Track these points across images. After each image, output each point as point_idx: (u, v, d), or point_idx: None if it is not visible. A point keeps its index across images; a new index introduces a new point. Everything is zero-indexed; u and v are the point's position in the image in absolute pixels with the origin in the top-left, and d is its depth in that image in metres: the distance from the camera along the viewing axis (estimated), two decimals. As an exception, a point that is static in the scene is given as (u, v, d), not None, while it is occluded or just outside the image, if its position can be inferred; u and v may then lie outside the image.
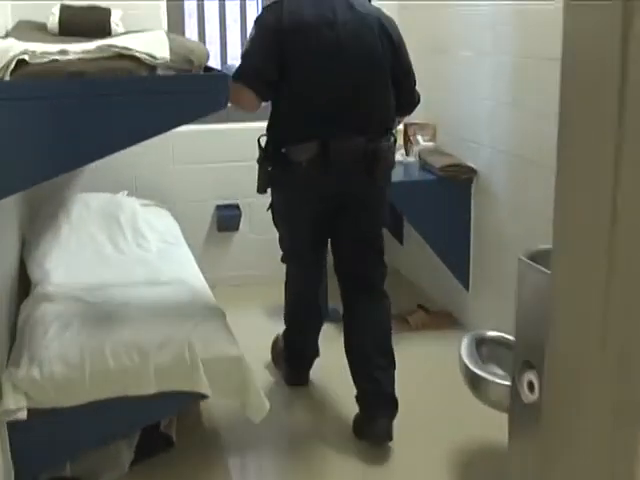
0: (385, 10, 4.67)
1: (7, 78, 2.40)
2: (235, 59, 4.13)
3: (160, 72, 2.56)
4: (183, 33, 4.62)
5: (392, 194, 3.85)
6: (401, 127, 4.49)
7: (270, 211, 3.32)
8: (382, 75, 3.07)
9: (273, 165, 3.09)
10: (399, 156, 4.36)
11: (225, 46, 4.81)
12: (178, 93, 2.52)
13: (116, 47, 2.47)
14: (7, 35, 3.42)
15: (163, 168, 4.70)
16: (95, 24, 3.73)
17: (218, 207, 4.78)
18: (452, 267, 4.15)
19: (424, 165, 4.18)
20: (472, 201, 4.08)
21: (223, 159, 4.62)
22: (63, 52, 2.46)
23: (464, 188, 4.04)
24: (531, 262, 2.40)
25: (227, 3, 4.71)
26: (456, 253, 4.12)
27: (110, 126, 2.49)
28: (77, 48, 2.48)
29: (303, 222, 3.21)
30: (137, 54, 2.48)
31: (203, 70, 2.83)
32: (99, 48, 2.48)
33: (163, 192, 4.67)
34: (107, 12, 3.82)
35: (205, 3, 4.72)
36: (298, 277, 3.54)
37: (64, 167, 2.60)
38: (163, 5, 4.55)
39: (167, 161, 4.70)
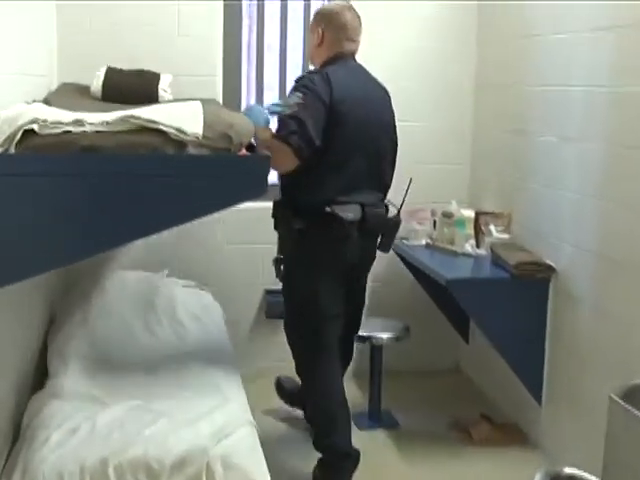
0: (461, 82, 4.40)
1: (12, 150, 2.09)
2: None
3: (192, 150, 2.20)
4: (239, 103, 4.30)
5: (459, 292, 3.49)
6: (472, 215, 4.09)
7: (289, 280, 3.31)
8: (393, 146, 3.37)
9: (309, 224, 3.14)
10: (469, 247, 3.95)
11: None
12: (209, 176, 2.15)
13: (139, 119, 2.13)
14: (46, 99, 3.14)
15: (209, 247, 4.36)
16: (141, 90, 3.45)
17: (267, 292, 4.41)
18: (523, 376, 3.67)
19: (496, 260, 3.75)
20: (549, 304, 3.61)
21: (275, 240, 4.24)
22: (78, 122, 2.13)
23: (541, 289, 3.58)
24: (626, 404, 1.99)
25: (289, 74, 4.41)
26: (528, 361, 3.64)
27: (128, 211, 2.12)
28: (95, 119, 2.15)
29: (333, 281, 3.23)
30: (163, 128, 2.13)
31: (246, 149, 2.48)
32: (120, 119, 2.14)
33: (208, 273, 4.32)
34: (155, 77, 3.53)
35: (265, 72, 4.43)
36: (321, 357, 3.32)
37: (75, 255, 2.21)
38: (219, 69, 4.25)
39: (214, 239, 4.36)
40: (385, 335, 3.93)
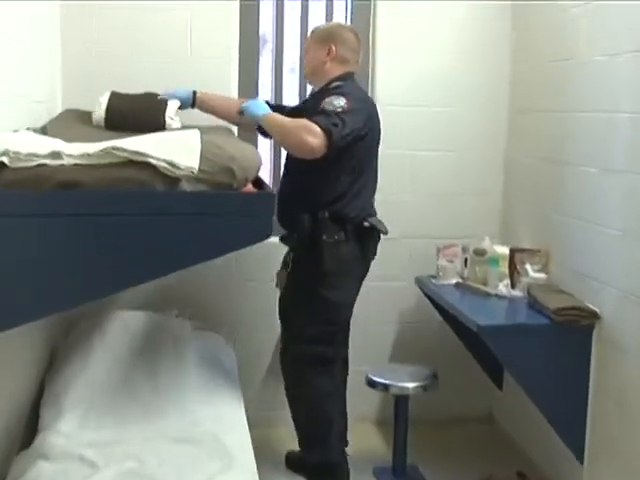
0: (494, 107, 4.14)
1: (-21, 185, 1.84)
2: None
3: (186, 186, 1.94)
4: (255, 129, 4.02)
5: (492, 340, 3.18)
6: (506, 252, 3.79)
7: (310, 291, 3.31)
8: None
9: (345, 237, 3.27)
10: (503, 288, 3.64)
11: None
12: (204, 216, 1.89)
13: (124, 151, 1.88)
14: (44, 127, 2.91)
15: (224, 284, 4.07)
16: (147, 117, 3.23)
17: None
18: (562, 432, 3.35)
19: (533, 304, 3.43)
20: (593, 354, 3.28)
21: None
22: (55, 155, 1.88)
23: (583, 337, 3.26)
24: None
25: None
26: (568, 415, 3.32)
27: (111, 257, 1.86)
28: (75, 150, 1.90)
29: (358, 288, 3.45)
30: (152, 161, 1.88)
31: (254, 184, 2.21)
32: (103, 151, 1.89)
33: (222, 313, 4.04)
34: (162, 103, 3.30)
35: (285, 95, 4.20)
36: (329, 367, 3.40)
37: (55, 305, 1.94)
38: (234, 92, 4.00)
39: (229, 276, 4.07)
40: (411, 384, 3.63)
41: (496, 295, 3.67)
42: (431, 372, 3.74)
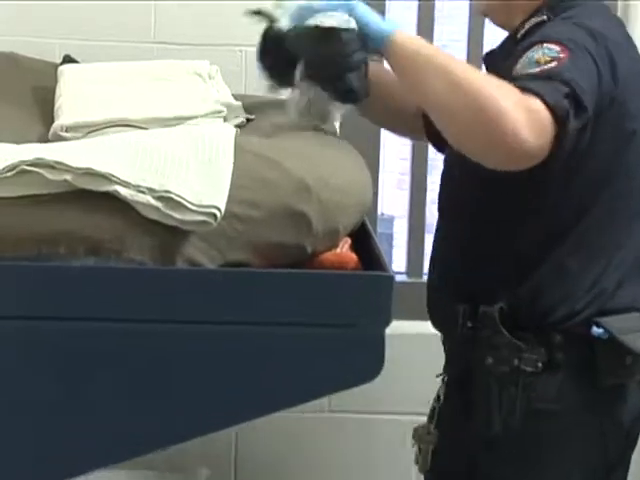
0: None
1: None
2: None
3: (199, 252, 1.49)
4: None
5: None
6: None
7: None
8: None
9: (552, 360, 2.36)
10: None
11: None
12: (240, 327, 1.44)
13: (63, 167, 1.48)
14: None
15: (292, 420, 3.63)
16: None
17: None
18: None
19: None
20: None
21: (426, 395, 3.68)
22: None
23: None
24: None
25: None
26: None
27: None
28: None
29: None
30: (122, 191, 1.49)
31: (351, 245, 1.74)
32: (12, 169, 1.53)
33: (289, 472, 3.70)
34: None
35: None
36: None
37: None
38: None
39: (304, 405, 3.63)
40: None
41: None
42: None
